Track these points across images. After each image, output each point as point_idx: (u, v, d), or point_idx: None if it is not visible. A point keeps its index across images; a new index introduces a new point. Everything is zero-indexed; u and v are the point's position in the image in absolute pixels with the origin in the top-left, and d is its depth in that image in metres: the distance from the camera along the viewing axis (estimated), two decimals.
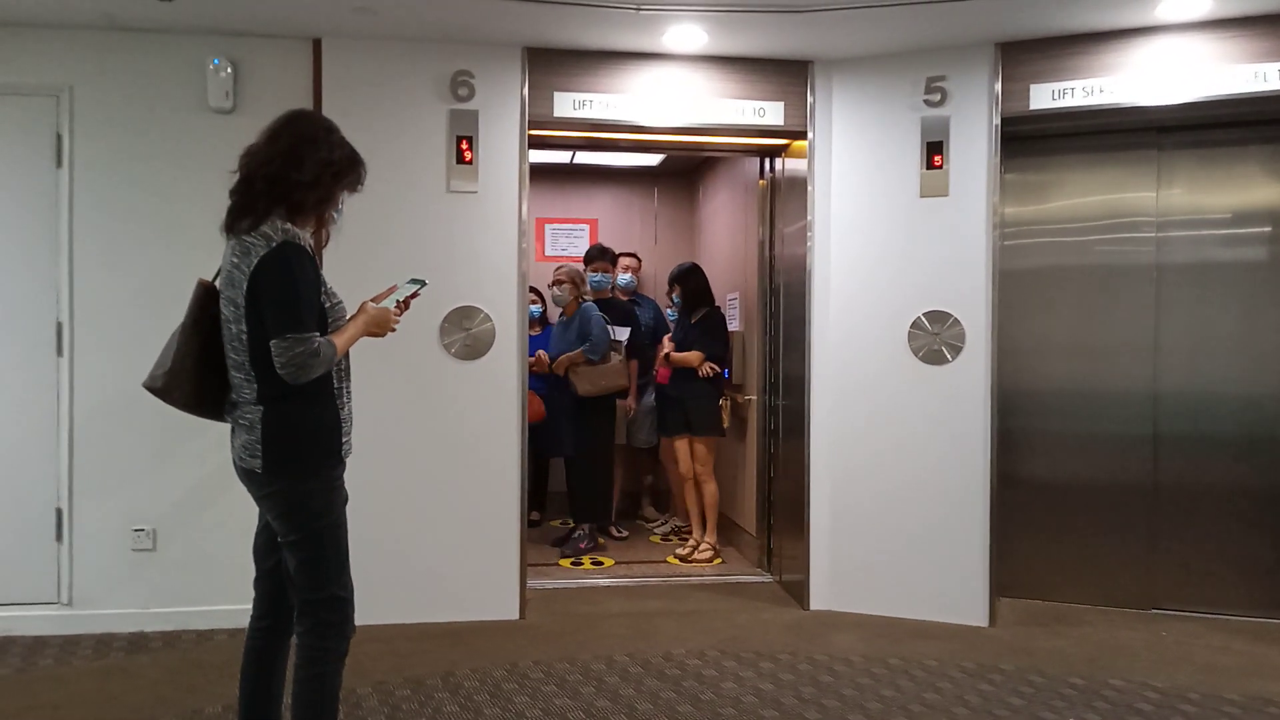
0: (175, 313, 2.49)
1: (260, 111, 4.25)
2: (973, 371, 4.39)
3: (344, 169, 2.52)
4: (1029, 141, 4.63)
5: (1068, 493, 4.73)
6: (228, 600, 4.22)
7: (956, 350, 4.41)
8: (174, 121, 4.25)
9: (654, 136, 4.71)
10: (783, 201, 5.10)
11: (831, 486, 4.63)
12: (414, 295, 2.74)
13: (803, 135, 4.63)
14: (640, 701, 3.44)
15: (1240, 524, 4.50)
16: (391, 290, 2.71)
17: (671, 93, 4.54)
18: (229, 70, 4.20)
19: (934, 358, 4.45)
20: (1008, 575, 4.58)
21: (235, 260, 2.40)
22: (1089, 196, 4.71)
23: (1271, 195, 4.48)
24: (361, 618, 4.33)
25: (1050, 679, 3.70)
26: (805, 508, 4.64)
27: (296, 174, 2.41)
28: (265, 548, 2.61)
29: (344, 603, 2.52)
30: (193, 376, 2.47)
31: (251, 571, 2.67)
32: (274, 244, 2.35)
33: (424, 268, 4.30)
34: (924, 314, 4.46)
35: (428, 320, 4.30)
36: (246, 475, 2.48)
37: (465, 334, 4.37)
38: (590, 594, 4.87)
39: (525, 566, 4.46)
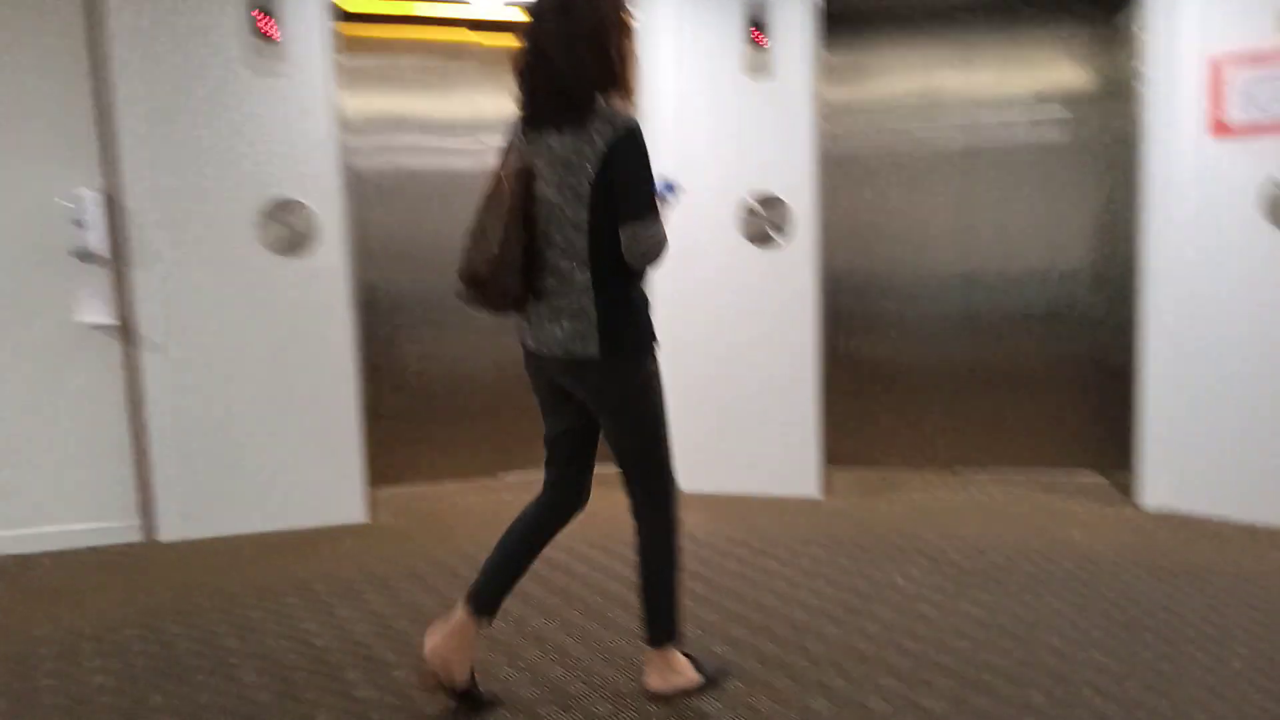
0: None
1: None
2: (800, 253, 4.51)
3: (621, 7, 2.36)
4: (850, 22, 4.66)
5: (891, 367, 5.02)
6: (45, 522, 3.99)
7: (783, 232, 4.51)
8: None
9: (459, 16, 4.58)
10: None
11: (665, 366, 4.70)
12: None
13: None
14: None
15: (1041, 390, 4.88)
16: None
17: None
18: None
19: (762, 239, 4.54)
20: (841, 447, 4.83)
21: (575, 145, 2.30)
22: (904, 81, 4.85)
23: (1069, 77, 4.73)
24: (199, 530, 4.18)
25: (876, 538, 3.98)
26: None
27: (607, 58, 2.31)
28: (569, 445, 2.69)
29: (673, 479, 2.64)
30: (519, 266, 2.35)
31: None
32: (625, 127, 2.29)
33: (232, 156, 4.02)
34: (752, 195, 4.53)
35: (241, 214, 4.07)
36: (572, 365, 2.43)
37: (284, 228, 4.13)
38: (441, 493, 4.84)
39: (369, 466, 4.37)
